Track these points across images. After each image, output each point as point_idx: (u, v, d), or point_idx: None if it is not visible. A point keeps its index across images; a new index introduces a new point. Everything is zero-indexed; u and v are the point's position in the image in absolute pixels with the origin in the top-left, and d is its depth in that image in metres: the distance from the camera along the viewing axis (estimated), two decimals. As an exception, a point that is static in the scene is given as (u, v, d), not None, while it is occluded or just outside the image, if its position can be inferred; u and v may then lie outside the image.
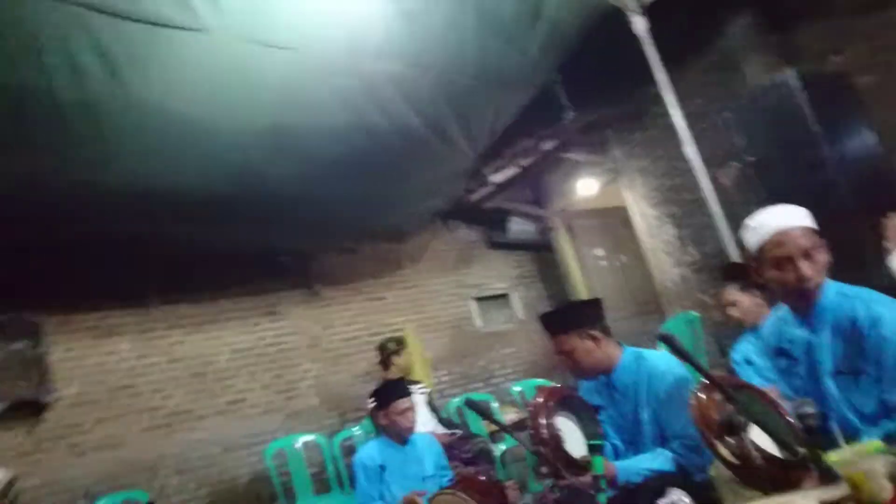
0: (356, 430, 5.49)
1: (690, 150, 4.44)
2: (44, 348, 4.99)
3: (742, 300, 3.24)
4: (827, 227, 2.07)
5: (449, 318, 7.16)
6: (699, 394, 1.81)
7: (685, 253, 5.99)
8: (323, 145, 4.53)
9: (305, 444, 5.44)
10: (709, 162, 4.50)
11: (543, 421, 2.35)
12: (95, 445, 5.09)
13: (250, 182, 4.54)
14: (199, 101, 3.89)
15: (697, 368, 1.85)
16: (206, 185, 4.38)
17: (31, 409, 4.89)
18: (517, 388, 6.12)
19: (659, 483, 2.18)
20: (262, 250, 5.62)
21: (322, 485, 5.35)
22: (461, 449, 4.22)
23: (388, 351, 5.20)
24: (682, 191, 5.81)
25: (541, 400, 2.41)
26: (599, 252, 7.59)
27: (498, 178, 6.72)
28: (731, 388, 1.86)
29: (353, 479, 4.97)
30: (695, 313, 5.38)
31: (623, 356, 2.58)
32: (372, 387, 5.37)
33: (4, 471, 2.87)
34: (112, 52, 3.44)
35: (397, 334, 5.87)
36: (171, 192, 4.31)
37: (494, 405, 5.82)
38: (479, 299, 7.49)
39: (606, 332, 2.62)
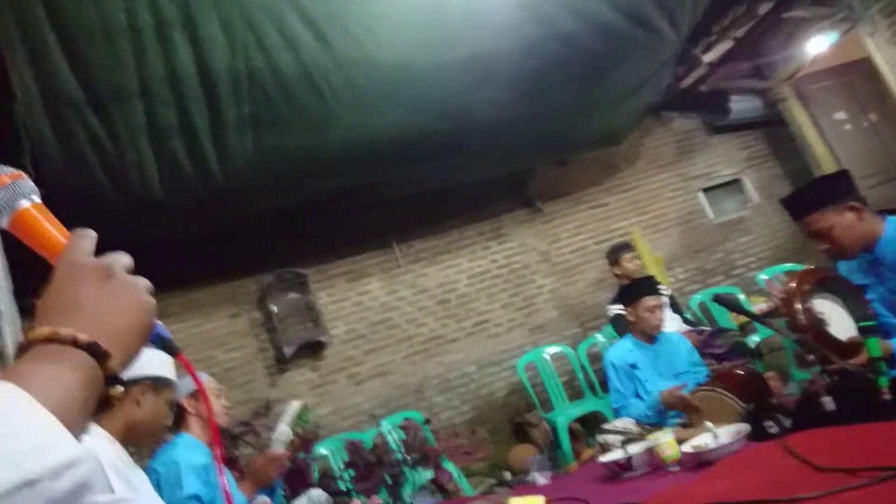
0: (599, 337, 5.58)
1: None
2: (311, 295, 5.68)
3: None
4: None
5: (677, 214, 6.89)
6: None
7: (954, 96, 5.12)
8: (521, 64, 4.51)
9: (552, 355, 5.65)
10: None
11: (799, 306, 2.23)
12: (369, 374, 5.75)
13: (457, 115, 4.67)
14: (397, 47, 4.06)
15: None
16: (416, 126, 4.58)
17: (313, 349, 5.65)
18: (763, 276, 5.78)
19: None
20: (480, 177, 5.80)
21: (574, 391, 5.55)
22: (713, 345, 4.12)
23: (617, 257, 5.16)
24: (942, 24, 4.94)
25: (794, 284, 2.28)
26: (841, 115, 6.75)
27: (710, 56, 6.20)
28: None
29: (603, 384, 5.11)
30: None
31: (887, 227, 2.33)
32: (605, 294, 5.41)
33: (297, 401, 3.36)
34: (317, 19, 3.71)
35: (624, 239, 5.80)
36: (387, 138, 4.57)
37: (741, 297, 5.56)
38: (708, 189, 7.08)
39: (863, 203, 2.37)
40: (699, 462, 2.13)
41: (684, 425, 2.90)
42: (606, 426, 3.24)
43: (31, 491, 0.44)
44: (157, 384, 2.21)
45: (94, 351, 0.57)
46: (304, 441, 4.05)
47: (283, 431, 3.01)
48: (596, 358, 5.45)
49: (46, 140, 3.48)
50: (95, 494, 0.49)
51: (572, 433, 5.12)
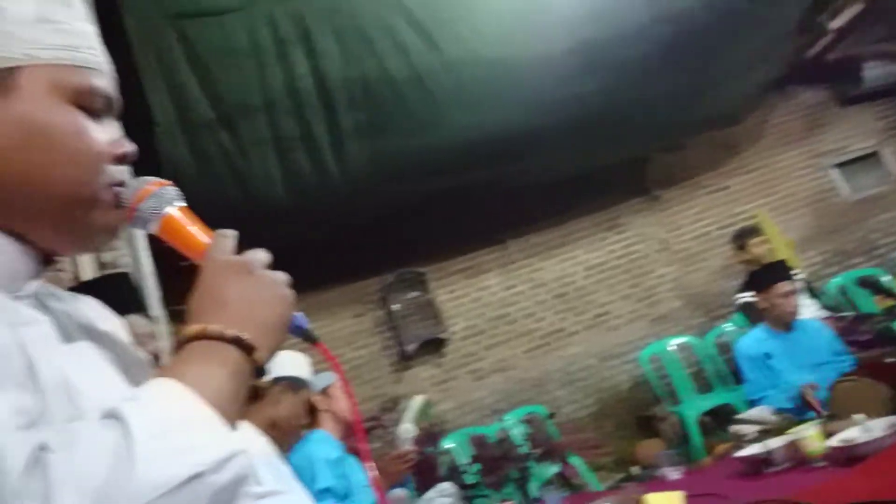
0: (728, 326, 5.34)
1: None
2: (430, 293, 5.80)
3: None
4: None
5: (807, 194, 6.47)
6: None
7: None
8: (629, 49, 4.41)
9: (678, 346, 5.47)
10: None
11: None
12: (490, 370, 5.79)
13: (567, 105, 4.60)
14: (504, 42, 4.08)
15: None
16: (524, 120, 4.56)
17: (434, 346, 5.77)
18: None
19: None
20: (593, 167, 5.70)
21: (703, 383, 5.34)
22: (856, 331, 3.85)
23: (743, 242, 4.92)
24: None
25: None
26: None
27: (838, 22, 5.77)
28: None
29: (734, 375, 4.89)
30: None
31: None
32: (732, 282, 5.17)
33: (420, 396, 3.45)
34: (424, 23, 3.79)
35: (749, 223, 5.51)
36: (497, 134, 4.57)
37: (886, 278, 5.16)
38: (842, 165, 6.60)
39: None
40: (849, 457, 2.00)
41: (830, 416, 2.73)
42: (741, 416, 3.10)
43: (198, 483, 0.48)
44: (295, 385, 2.34)
45: (242, 344, 0.60)
46: (431, 436, 4.15)
47: (407, 428, 3.10)
48: (725, 348, 5.22)
49: (183, 158, 3.76)
50: (251, 485, 0.53)
51: (703, 427, 4.94)
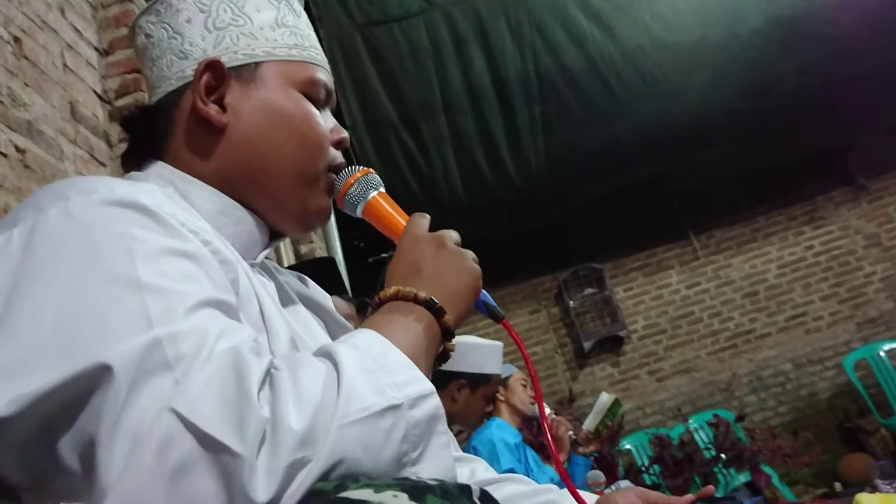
0: (952, 332, 4.72)
1: None
2: (608, 291, 5.67)
3: None
4: None
5: None
6: None
7: None
8: (832, 22, 4.03)
9: (889, 352, 4.92)
10: None
11: None
12: (672, 371, 5.55)
13: (759, 87, 4.31)
14: (687, 25, 3.91)
15: None
16: (714, 106, 4.32)
17: (611, 344, 5.64)
18: None
19: None
20: (788, 156, 5.27)
21: (922, 395, 4.76)
22: None
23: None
24: None
25: None
26: None
27: None
28: None
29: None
30: None
31: None
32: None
33: (608, 395, 3.39)
34: (601, 12, 3.73)
35: None
36: (683, 123, 4.37)
37: None
38: None
39: None
40: None
41: None
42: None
43: (394, 414, 0.53)
44: (474, 382, 2.41)
45: (433, 307, 0.65)
46: (612, 434, 4.06)
47: (589, 421, 3.09)
48: (949, 356, 4.62)
49: (370, 157, 3.99)
50: (442, 424, 0.57)
51: (922, 443, 4.40)
